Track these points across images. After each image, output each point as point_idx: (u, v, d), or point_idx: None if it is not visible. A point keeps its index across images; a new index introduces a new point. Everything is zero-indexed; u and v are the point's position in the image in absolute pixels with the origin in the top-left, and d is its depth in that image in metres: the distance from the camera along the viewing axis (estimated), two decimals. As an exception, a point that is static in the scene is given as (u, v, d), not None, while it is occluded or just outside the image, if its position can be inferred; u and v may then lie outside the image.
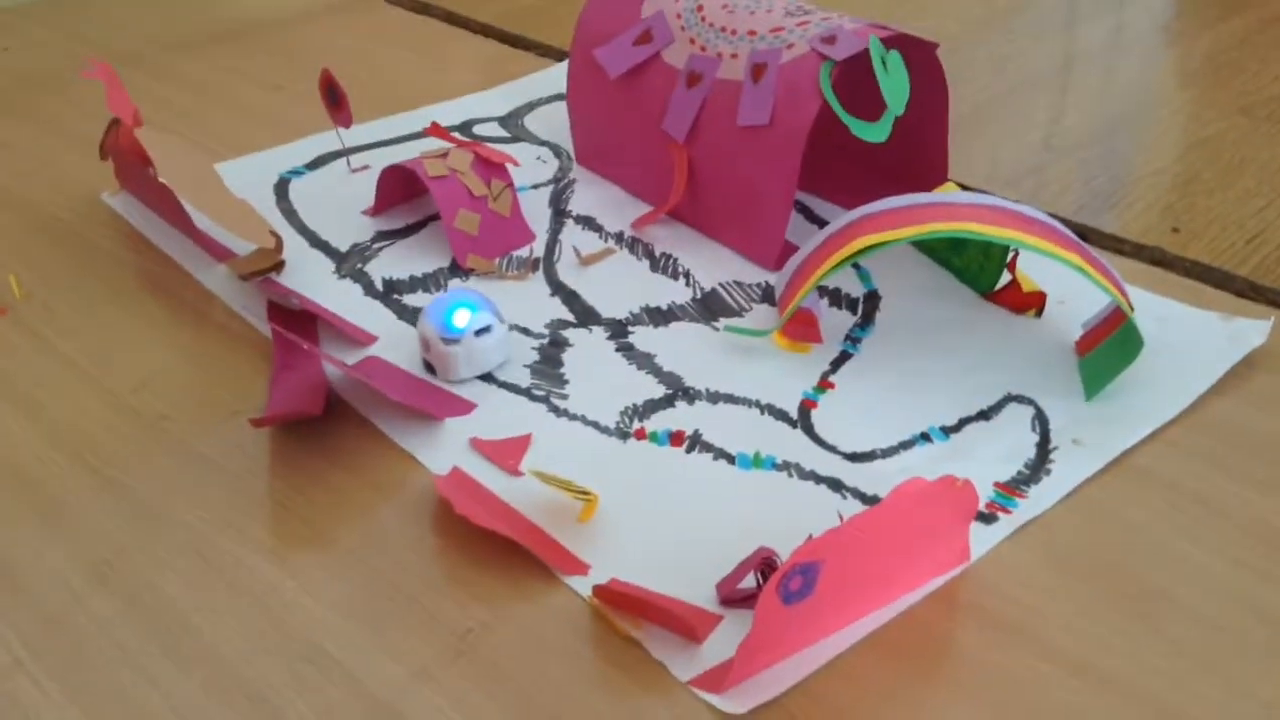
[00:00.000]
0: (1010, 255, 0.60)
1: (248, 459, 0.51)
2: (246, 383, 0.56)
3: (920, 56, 0.63)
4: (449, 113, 0.80)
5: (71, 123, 0.80)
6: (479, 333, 0.55)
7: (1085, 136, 0.80)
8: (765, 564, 0.44)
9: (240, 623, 0.44)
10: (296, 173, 0.73)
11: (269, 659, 0.42)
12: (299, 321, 0.58)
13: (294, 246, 0.65)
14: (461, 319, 0.54)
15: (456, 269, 0.64)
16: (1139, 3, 1.04)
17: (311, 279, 0.62)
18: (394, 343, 0.58)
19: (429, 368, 0.56)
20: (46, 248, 0.66)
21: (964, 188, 0.65)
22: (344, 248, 0.66)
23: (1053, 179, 0.75)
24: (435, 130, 0.67)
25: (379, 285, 0.63)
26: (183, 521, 0.48)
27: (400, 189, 0.68)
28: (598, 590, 0.44)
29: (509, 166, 0.67)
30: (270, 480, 0.50)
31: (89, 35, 0.95)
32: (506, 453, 0.52)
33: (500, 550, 0.46)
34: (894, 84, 0.60)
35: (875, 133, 0.60)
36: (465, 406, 0.54)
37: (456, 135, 0.69)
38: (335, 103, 0.70)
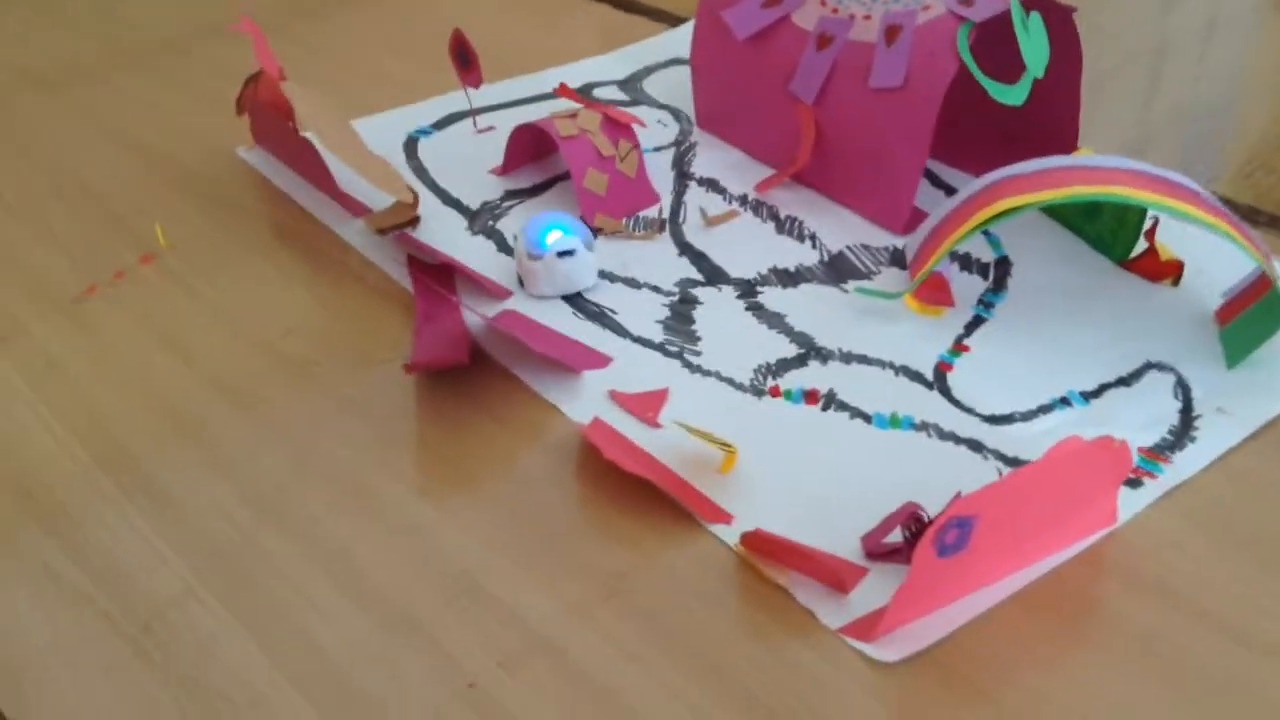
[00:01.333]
0: (1148, 223, 0.59)
1: (395, 403, 0.53)
2: (387, 331, 0.57)
3: (1056, 21, 0.62)
4: (569, 76, 0.80)
5: (200, 81, 0.82)
6: (561, 254, 0.58)
7: (1216, 106, 0.79)
8: (912, 519, 0.45)
9: (399, 557, 0.45)
10: (424, 132, 0.74)
11: (429, 591, 0.44)
12: (438, 275, 0.60)
13: (427, 203, 0.66)
14: (553, 238, 0.57)
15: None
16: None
17: (445, 235, 0.64)
18: (528, 297, 0.59)
19: (520, 282, 0.59)
20: (187, 200, 0.68)
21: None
22: (474, 205, 0.67)
23: (1182, 148, 0.74)
24: (564, 91, 0.68)
25: (510, 242, 0.64)
26: (338, 460, 0.50)
27: (529, 149, 0.69)
28: (745, 538, 0.45)
29: (635, 128, 0.67)
30: (418, 424, 0.52)
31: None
32: (645, 405, 0.52)
33: (642, 497, 0.47)
34: (1034, 46, 0.59)
35: (1013, 95, 0.60)
36: (602, 360, 0.55)
37: (582, 96, 0.69)
38: (465, 63, 0.71)
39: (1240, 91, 0.82)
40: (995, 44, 0.60)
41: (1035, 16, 0.60)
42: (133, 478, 0.49)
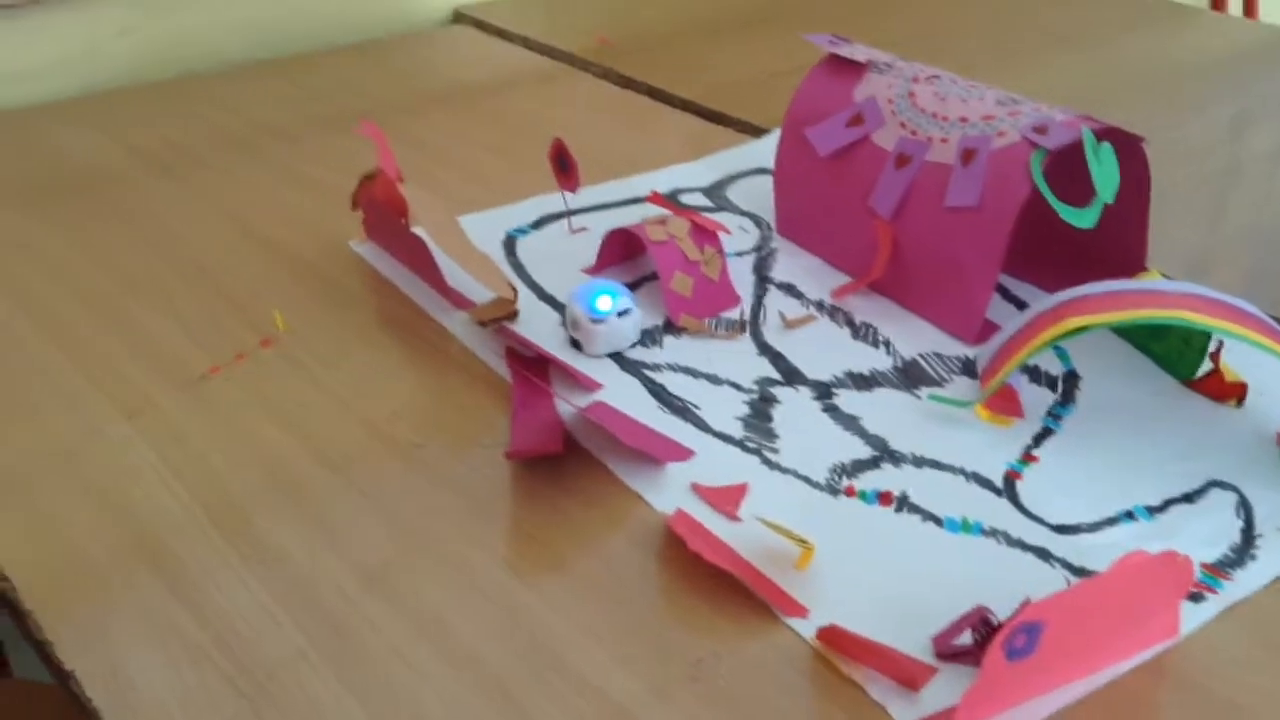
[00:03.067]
0: (1213, 345, 0.62)
1: (492, 486, 0.56)
2: (488, 418, 0.61)
3: (1126, 148, 0.65)
4: (656, 182, 0.85)
5: (305, 171, 0.88)
6: (621, 314, 0.65)
7: (1262, 231, 0.81)
8: (982, 621, 0.47)
9: (494, 631, 0.48)
10: (522, 231, 0.79)
11: (520, 664, 0.47)
12: (534, 366, 0.64)
13: (524, 299, 0.70)
14: (604, 304, 0.65)
15: (670, 326, 0.69)
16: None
17: (540, 329, 0.68)
18: (616, 391, 0.63)
19: (574, 344, 0.66)
20: (301, 286, 0.73)
21: (1166, 276, 0.66)
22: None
23: (1248, 272, 0.76)
24: (656, 198, 0.72)
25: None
26: (438, 536, 0.53)
27: (620, 250, 0.74)
28: (821, 632, 0.47)
29: (720, 234, 0.71)
30: (513, 506, 0.55)
31: (318, 92, 1.04)
32: (725, 499, 0.55)
33: (723, 589, 0.50)
34: (1105, 173, 0.63)
35: (1084, 218, 0.63)
36: (684, 453, 0.58)
37: (671, 203, 0.74)
38: (565, 169, 0.76)
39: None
40: (1069, 169, 0.64)
41: (1106, 146, 0.63)
42: (250, 544, 0.53)
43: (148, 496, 0.56)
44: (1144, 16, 1.23)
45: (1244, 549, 0.53)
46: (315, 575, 0.51)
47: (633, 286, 0.73)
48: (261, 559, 0.52)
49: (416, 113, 1.00)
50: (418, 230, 0.70)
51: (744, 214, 0.82)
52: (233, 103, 1.01)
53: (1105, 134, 0.64)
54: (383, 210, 0.72)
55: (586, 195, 0.82)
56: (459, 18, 1.23)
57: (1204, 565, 0.51)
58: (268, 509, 0.55)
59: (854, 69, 0.74)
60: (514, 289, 0.67)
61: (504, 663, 0.47)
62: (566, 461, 0.57)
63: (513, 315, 0.67)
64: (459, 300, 0.70)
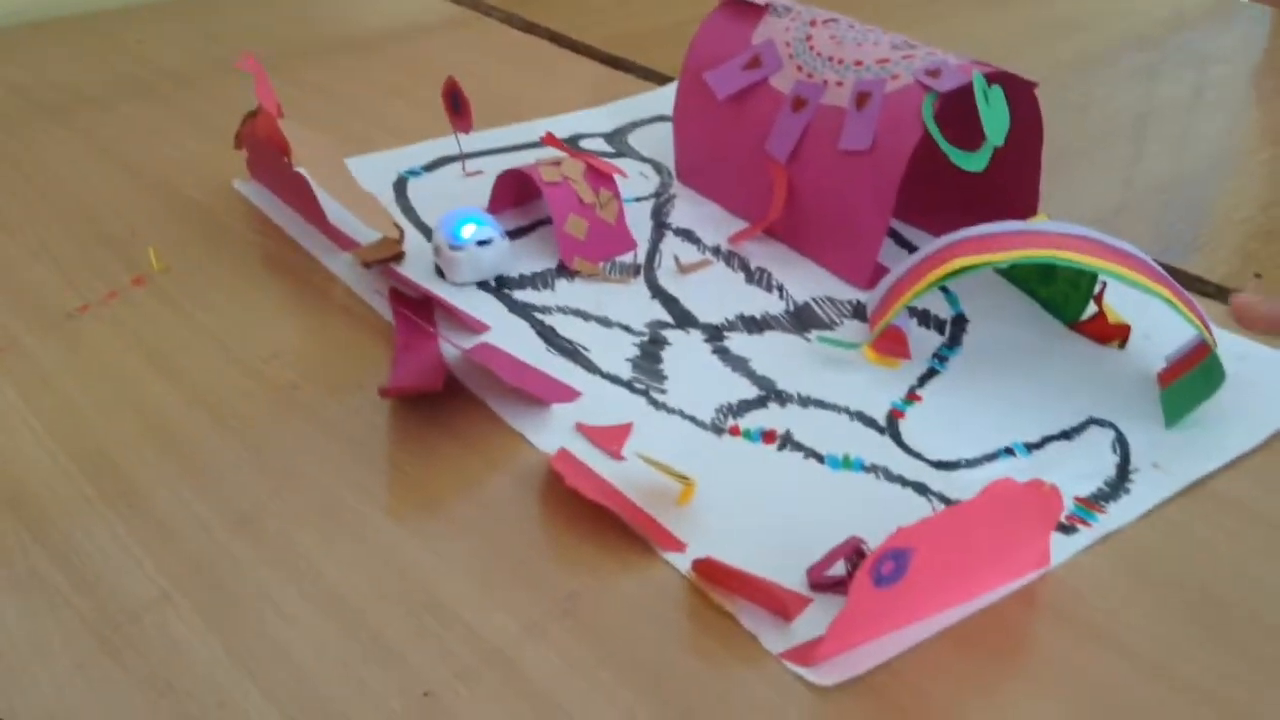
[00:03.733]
0: (1098, 287, 0.63)
1: (371, 427, 0.55)
2: (368, 359, 0.59)
3: (1018, 94, 0.66)
4: (557, 127, 0.84)
5: (203, 114, 0.85)
6: (481, 244, 0.64)
7: (1169, 182, 0.82)
8: (855, 552, 0.47)
9: (367, 573, 0.47)
10: (414, 173, 0.77)
11: (393, 607, 0.46)
12: (418, 308, 0.62)
13: (412, 240, 0.69)
14: (467, 231, 0.64)
15: (563, 269, 0.68)
16: (1224, 64, 1.06)
17: (427, 271, 0.66)
18: (504, 332, 0.62)
19: (439, 272, 0.66)
20: (182, 226, 0.71)
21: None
22: (458, 244, 0.70)
23: (1136, 220, 0.77)
24: (550, 140, 0.71)
25: (491, 281, 0.66)
26: (313, 480, 0.52)
27: (513, 193, 0.72)
28: (697, 564, 0.47)
29: (616, 178, 0.70)
30: (391, 448, 0.54)
31: (220, 35, 1.01)
32: (610, 438, 0.55)
33: (602, 525, 0.50)
34: (995, 117, 0.63)
35: (974, 162, 0.63)
36: (570, 394, 0.58)
37: (567, 145, 0.72)
38: (458, 109, 0.74)
39: (1202, 168, 0.85)
40: (961, 116, 0.64)
41: (996, 89, 0.63)
42: (116, 488, 0.51)
43: (10, 439, 0.54)
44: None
45: (1118, 483, 0.53)
46: (182, 518, 0.50)
47: (527, 230, 0.72)
48: (128, 502, 0.51)
49: (315, 57, 0.97)
50: (300, 169, 0.68)
51: (645, 160, 0.81)
52: (130, 45, 0.98)
53: (997, 78, 0.64)
54: (265, 148, 0.70)
55: (484, 138, 0.80)
56: (364, -38, 1.20)
57: (1078, 499, 0.52)
58: (135, 451, 0.53)
59: (753, 11, 0.73)
60: (400, 229, 0.66)
61: (375, 605, 0.46)
62: (449, 403, 0.56)
63: (398, 256, 0.65)
64: (343, 241, 0.68)
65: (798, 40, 0.71)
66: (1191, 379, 0.58)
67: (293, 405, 0.56)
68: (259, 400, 0.57)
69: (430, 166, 0.78)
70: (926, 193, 0.72)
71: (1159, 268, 0.59)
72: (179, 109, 0.86)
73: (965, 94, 0.63)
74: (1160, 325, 0.62)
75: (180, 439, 0.54)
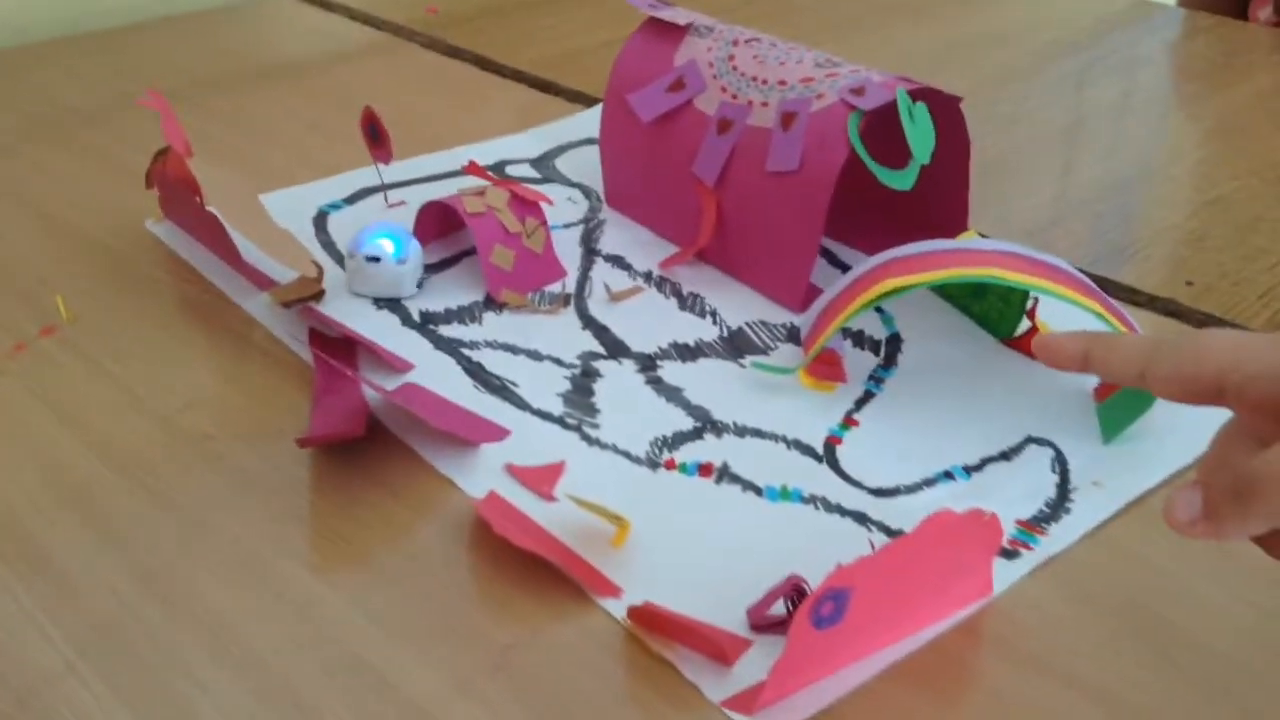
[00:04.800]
0: (1030, 303, 0.62)
1: (290, 477, 0.53)
2: (288, 405, 0.57)
3: (944, 109, 0.65)
4: (482, 153, 0.82)
5: (114, 153, 0.82)
6: (369, 259, 0.64)
7: (1098, 192, 0.83)
8: (795, 591, 0.46)
9: (284, 631, 0.45)
10: (334, 206, 0.75)
11: (312, 666, 0.44)
12: (339, 348, 0.60)
13: (333, 277, 0.66)
14: (381, 245, 0.64)
15: (491, 302, 0.66)
16: (1149, 68, 1.07)
17: (350, 308, 0.64)
18: (430, 370, 0.60)
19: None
20: (92, 272, 0.68)
21: (984, 237, 0.67)
22: (381, 279, 0.68)
23: (1067, 232, 0.77)
24: (473, 169, 0.69)
25: (416, 316, 0.64)
26: (228, 534, 0.50)
27: (437, 224, 0.70)
28: (632, 611, 0.45)
29: (543, 205, 0.69)
30: (312, 498, 0.52)
31: (130, 69, 0.98)
32: (541, 479, 0.53)
33: (535, 572, 0.48)
34: (920, 134, 0.62)
35: (901, 180, 0.62)
36: (499, 433, 0.56)
37: (490, 174, 0.71)
38: (376, 139, 0.72)
39: (1128, 176, 0.86)
40: (889, 131, 0.63)
41: (921, 106, 0.63)
42: (20, 551, 0.49)
43: (-98, 505, 0.51)
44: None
45: (1059, 503, 0.53)
46: (90, 581, 0.47)
47: (452, 261, 0.70)
48: (32, 567, 0.48)
49: (233, 89, 0.94)
50: (212, 208, 0.65)
51: (573, 185, 0.80)
52: (36, 83, 0.94)
53: (921, 94, 0.64)
54: (176, 188, 0.68)
55: (407, 167, 0.78)
56: (281, -11, 1.18)
57: (1019, 521, 0.51)
58: (41, 513, 0.51)
59: (674, 32, 0.72)
60: (319, 266, 0.63)
61: (295, 667, 0.44)
62: (373, 449, 0.54)
63: (318, 295, 0.63)
64: (261, 281, 0.66)
65: (720, 60, 0.70)
66: (1127, 393, 0.57)
67: (207, 457, 0.54)
68: (174, 453, 0.54)
69: (351, 199, 0.76)
70: (856, 211, 0.71)
71: (1089, 281, 0.58)
72: (88, 149, 0.83)
73: (891, 111, 0.62)
74: (1094, 339, 0.61)
75: (88, 498, 0.52)
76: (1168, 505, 0.37)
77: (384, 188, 0.76)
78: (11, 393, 0.58)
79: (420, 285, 0.66)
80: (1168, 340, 0.40)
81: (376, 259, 0.63)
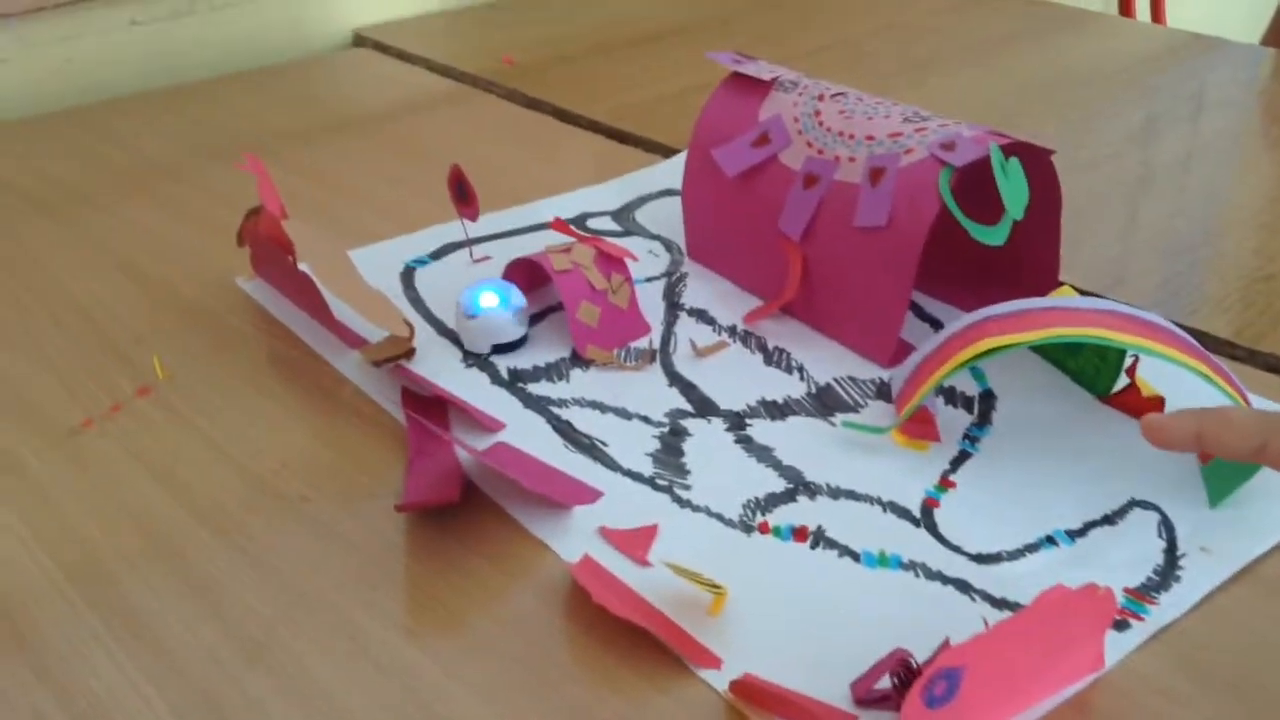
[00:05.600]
0: (1130, 360, 0.61)
1: (385, 541, 0.53)
2: (381, 466, 0.57)
3: (1035, 163, 0.64)
4: (563, 206, 0.82)
5: (196, 206, 0.84)
6: (482, 314, 0.65)
7: (1192, 240, 0.81)
8: (900, 665, 0.45)
9: (385, 703, 0.45)
10: (421, 261, 0.76)
11: (415, 740, 0.43)
12: (431, 407, 0.60)
13: (422, 334, 0.67)
14: (470, 301, 0.65)
15: (577, 358, 0.66)
16: (1230, 110, 1.05)
17: (440, 366, 0.64)
18: (520, 429, 0.60)
19: (460, 345, 0.67)
20: (185, 329, 0.69)
21: (1080, 291, 0.65)
22: (468, 336, 0.68)
23: (1162, 282, 0.75)
24: (559, 226, 0.70)
25: (504, 374, 0.65)
26: (327, 601, 0.50)
27: (523, 280, 0.71)
28: (734, 685, 0.45)
29: (628, 261, 0.69)
30: (407, 562, 0.52)
31: (210, 121, 1.00)
32: (634, 542, 0.53)
33: (632, 639, 0.47)
34: (1013, 189, 0.61)
35: (994, 236, 0.61)
36: (592, 494, 0.56)
37: (576, 230, 0.71)
38: (463, 198, 0.73)
39: (1220, 223, 0.84)
40: (979, 183, 0.62)
41: (1014, 161, 0.62)
42: (120, 616, 0.49)
43: (6, 563, 0.52)
44: (1048, 24, 1.23)
45: (1168, 571, 0.51)
46: (190, 646, 0.47)
47: (539, 317, 0.70)
48: (132, 630, 0.48)
49: (314, 141, 0.96)
50: (304, 267, 0.66)
51: (654, 237, 0.80)
52: (119, 137, 0.97)
53: (1013, 149, 0.63)
54: (268, 246, 0.69)
55: (490, 222, 0.79)
56: (359, 41, 1.20)
57: (1127, 590, 0.50)
58: (140, 574, 0.51)
59: (758, 87, 0.72)
60: (410, 325, 0.64)
61: (397, 736, 0.44)
62: (466, 511, 0.54)
63: (409, 353, 0.64)
64: (352, 339, 0.66)
65: (806, 115, 0.69)
66: (1233, 454, 0.56)
67: (304, 519, 0.54)
68: (269, 514, 0.55)
69: (437, 254, 0.77)
70: (945, 265, 0.70)
71: (1192, 340, 0.57)
72: (174, 204, 0.85)
73: (982, 165, 0.62)
74: (1195, 397, 0.59)
75: (186, 559, 0.52)
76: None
77: (469, 242, 0.76)
78: (108, 452, 0.59)
79: (528, 333, 0.68)
80: None
81: (487, 312, 0.65)
